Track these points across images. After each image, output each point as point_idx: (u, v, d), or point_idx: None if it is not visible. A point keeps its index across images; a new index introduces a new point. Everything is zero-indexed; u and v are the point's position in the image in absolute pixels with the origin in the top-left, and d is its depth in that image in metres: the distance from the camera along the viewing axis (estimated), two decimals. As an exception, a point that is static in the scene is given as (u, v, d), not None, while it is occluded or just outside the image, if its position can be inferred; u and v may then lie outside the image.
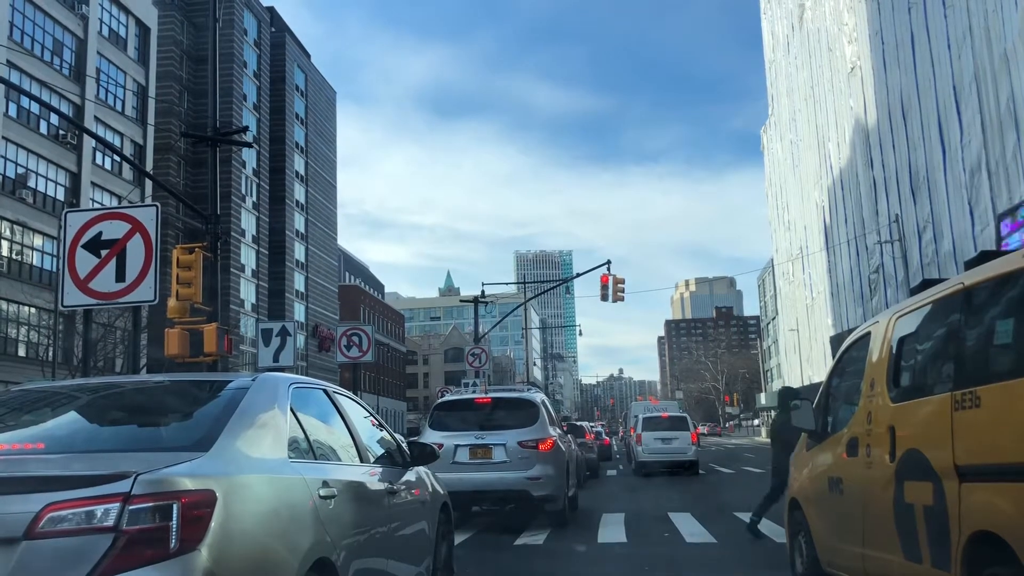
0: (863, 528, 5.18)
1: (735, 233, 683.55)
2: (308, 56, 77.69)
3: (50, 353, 33.70)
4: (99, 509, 2.84)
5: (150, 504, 2.89)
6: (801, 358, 73.61)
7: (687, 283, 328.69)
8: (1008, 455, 3.68)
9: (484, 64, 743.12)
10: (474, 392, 21.92)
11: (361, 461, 4.86)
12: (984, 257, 4.51)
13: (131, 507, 2.86)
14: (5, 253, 36.44)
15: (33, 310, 36.89)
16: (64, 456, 3.38)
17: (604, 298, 28.85)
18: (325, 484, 4.02)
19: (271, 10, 70.43)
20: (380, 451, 5.34)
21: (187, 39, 57.90)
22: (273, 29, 70.10)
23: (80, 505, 2.83)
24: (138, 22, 46.70)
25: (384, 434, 5.65)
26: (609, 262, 28.80)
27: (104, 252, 7.53)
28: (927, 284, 5.11)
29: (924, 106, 37.93)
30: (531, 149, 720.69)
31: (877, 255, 45.43)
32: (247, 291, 62.09)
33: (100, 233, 7.56)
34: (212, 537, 3.01)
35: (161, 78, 50.78)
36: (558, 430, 13.25)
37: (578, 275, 32.85)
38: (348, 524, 4.16)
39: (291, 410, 4.14)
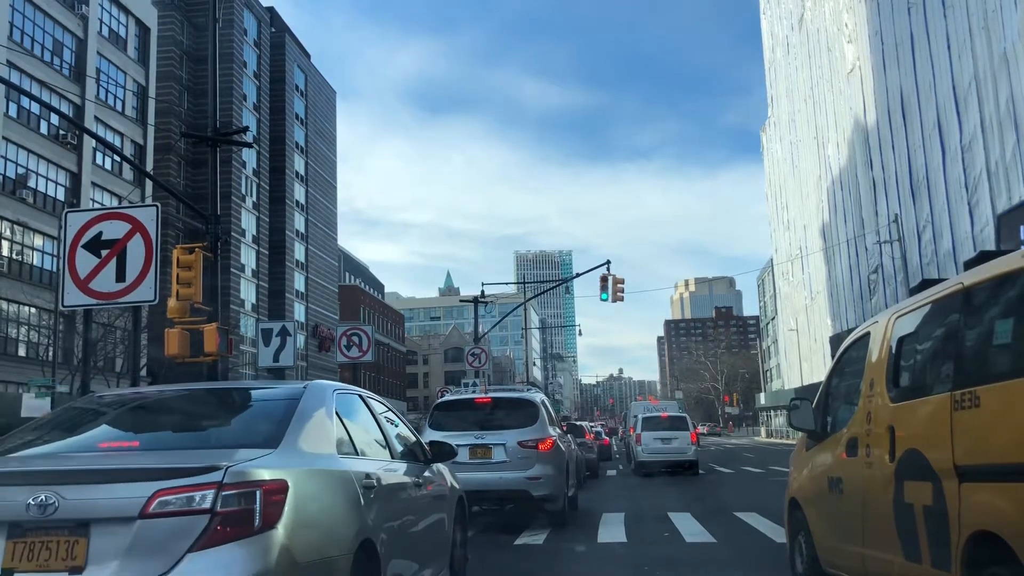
0: (863, 528, 5.19)
1: (732, 231, 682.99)
2: (308, 56, 77.70)
3: (50, 353, 33.69)
4: (198, 495, 3.46)
5: (238, 491, 3.51)
6: (801, 358, 73.60)
7: (686, 283, 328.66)
8: (1008, 455, 3.68)
9: (471, 58, 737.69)
10: (474, 392, 21.91)
11: (392, 457, 5.47)
12: (983, 257, 4.50)
13: (223, 493, 3.48)
14: (5, 253, 36.43)
15: (33, 310, 36.90)
16: (158, 452, 4.06)
17: (604, 297, 28.84)
18: (367, 476, 4.62)
19: (271, 10, 70.41)
20: (406, 448, 5.92)
21: (187, 39, 57.90)
22: (273, 29, 70.08)
23: (183, 491, 3.45)
24: (138, 22, 46.68)
25: (408, 433, 6.23)
26: (609, 262, 28.79)
27: (104, 252, 7.51)
28: (926, 284, 5.12)
29: (924, 107, 37.93)
30: (522, 146, 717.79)
31: (876, 255, 45.43)
32: (247, 291, 62.07)
33: (100, 233, 7.56)
34: (286, 518, 3.64)
35: (161, 78, 50.77)
36: (558, 430, 13.25)
37: (578, 275, 32.84)
38: (385, 511, 4.74)
39: (336, 412, 4.77)
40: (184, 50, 57.42)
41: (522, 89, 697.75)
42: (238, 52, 61.86)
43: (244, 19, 63.82)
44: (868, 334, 5.64)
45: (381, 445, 5.42)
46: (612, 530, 11.06)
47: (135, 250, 7.45)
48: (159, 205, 7.82)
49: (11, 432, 4.64)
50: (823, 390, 6.34)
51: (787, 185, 75.02)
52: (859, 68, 47.62)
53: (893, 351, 5.12)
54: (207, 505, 3.44)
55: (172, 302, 11.84)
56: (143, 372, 41.77)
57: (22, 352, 36.61)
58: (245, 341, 58.05)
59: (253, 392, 5.27)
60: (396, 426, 6.01)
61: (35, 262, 38.02)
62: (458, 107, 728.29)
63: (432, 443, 6.39)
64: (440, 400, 13.21)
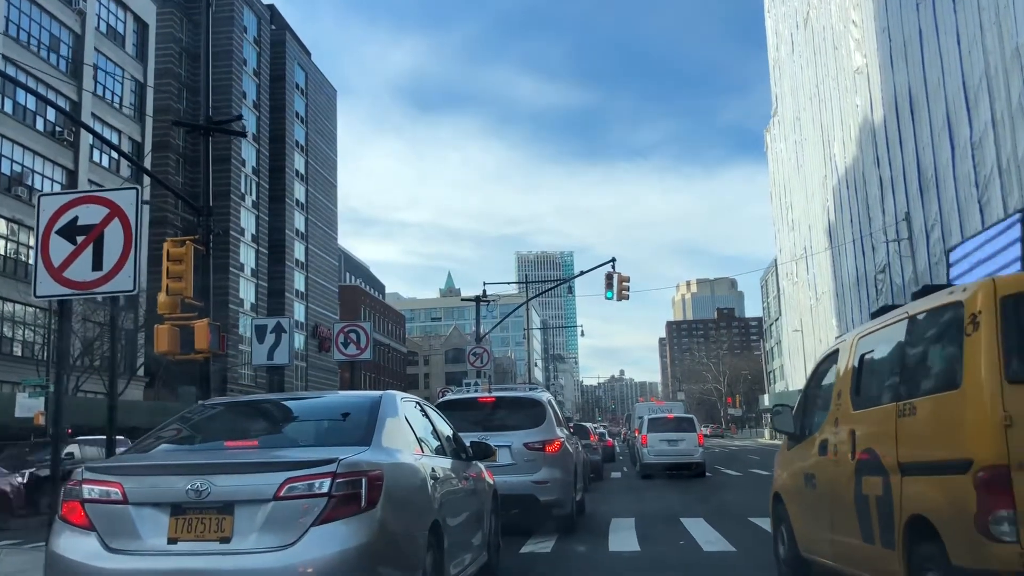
0: (831, 517, 5.98)
1: (731, 231, 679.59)
2: (308, 54, 77.17)
3: (45, 352, 33.18)
4: (317, 482, 4.36)
5: (348, 479, 4.42)
6: (805, 359, 73.01)
7: (688, 284, 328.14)
8: (934, 454, 4.58)
9: (464, 56, 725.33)
10: (476, 392, 21.36)
11: (445, 455, 6.42)
12: (927, 290, 5.33)
13: (337, 480, 4.39)
14: (1, 251, 35.92)
15: (29, 309, 36.39)
16: (277, 449, 5.08)
17: (609, 296, 28.34)
18: (432, 470, 5.61)
19: (271, 8, 69.89)
20: (453, 447, 6.86)
21: (186, 36, 57.37)
22: (273, 27, 69.54)
23: (307, 479, 4.36)
24: (136, 18, 46.20)
25: (453, 435, 7.16)
26: (614, 260, 28.38)
27: (80, 239, 6.93)
28: (886, 309, 5.96)
29: (933, 104, 37.38)
30: (517, 144, 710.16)
31: (883, 254, 44.90)
32: (246, 290, 61.55)
33: (76, 218, 6.95)
34: (382, 500, 4.54)
35: (159, 75, 50.26)
36: (565, 431, 12.72)
37: (581, 273, 32.34)
38: (445, 499, 5.70)
39: (405, 417, 5.76)
40: (183, 47, 56.91)
41: (517, 86, 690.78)
42: (238, 50, 61.33)
43: (244, 17, 63.29)
44: (838, 351, 6.51)
45: (436, 444, 6.36)
46: (623, 537, 10.52)
47: (113, 236, 6.86)
48: (139, 188, 7.25)
49: (146, 435, 5.50)
50: (801, 398, 7.18)
51: (791, 185, 74.45)
52: (866, 66, 47.08)
53: (856, 366, 5.96)
54: (325, 490, 4.35)
55: (162, 297, 11.31)
56: (140, 372, 41.24)
57: (17, 351, 36.10)
58: (244, 340, 57.51)
59: (337, 400, 6.47)
60: (445, 428, 6.99)
61: (31, 260, 37.46)
62: (452, 105, 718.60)
63: (473, 443, 7.25)
64: (442, 399, 12.70)
